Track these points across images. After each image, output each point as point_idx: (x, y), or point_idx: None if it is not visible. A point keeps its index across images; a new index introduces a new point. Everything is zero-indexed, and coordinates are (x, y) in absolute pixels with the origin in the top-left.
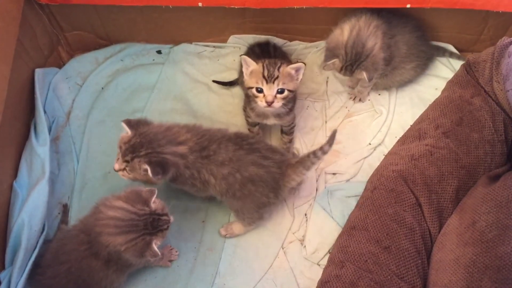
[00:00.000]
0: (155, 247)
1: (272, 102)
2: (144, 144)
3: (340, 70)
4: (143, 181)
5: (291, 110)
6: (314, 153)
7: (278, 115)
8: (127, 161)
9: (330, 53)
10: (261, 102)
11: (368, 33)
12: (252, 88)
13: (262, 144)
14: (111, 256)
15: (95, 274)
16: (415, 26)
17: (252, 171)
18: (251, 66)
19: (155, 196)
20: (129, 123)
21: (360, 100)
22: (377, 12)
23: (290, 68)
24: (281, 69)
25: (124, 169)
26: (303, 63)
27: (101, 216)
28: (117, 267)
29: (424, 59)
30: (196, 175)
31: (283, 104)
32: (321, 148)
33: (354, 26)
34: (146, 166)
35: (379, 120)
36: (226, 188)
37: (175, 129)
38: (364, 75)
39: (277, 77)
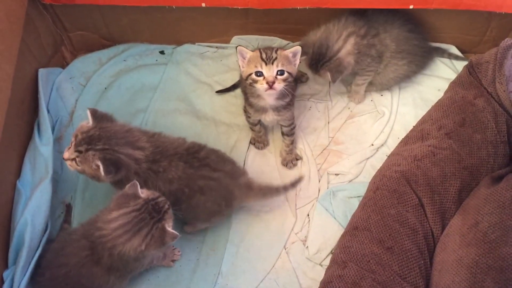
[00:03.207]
0: (170, 229)
1: (273, 83)
2: (102, 138)
3: (309, 67)
4: (90, 176)
5: (289, 104)
6: (277, 189)
7: (276, 109)
8: (79, 151)
9: (303, 51)
10: (261, 86)
11: (336, 37)
12: (251, 74)
13: (212, 156)
14: (116, 263)
15: (95, 280)
16: (404, 21)
17: (202, 183)
18: (248, 54)
19: (138, 186)
20: (94, 113)
21: (358, 101)
22: (361, 13)
23: (287, 52)
24: (278, 51)
25: (74, 159)
26: (300, 46)
27: (106, 233)
28: (120, 273)
29: (418, 56)
30: (142, 184)
31: (284, 88)
32: (284, 187)
33: (327, 28)
34: (99, 163)
35: (381, 121)
36: (173, 201)
37: (136, 133)
38: (328, 75)
39: (276, 58)
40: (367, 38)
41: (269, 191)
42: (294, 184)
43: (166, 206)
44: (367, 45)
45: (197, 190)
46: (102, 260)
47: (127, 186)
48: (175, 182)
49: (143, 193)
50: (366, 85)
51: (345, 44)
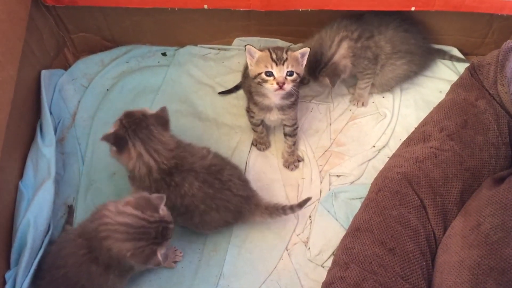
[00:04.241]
0: (159, 256)
1: (283, 83)
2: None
3: (308, 76)
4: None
5: (294, 103)
6: (283, 208)
7: (281, 108)
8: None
9: None
10: (271, 85)
11: (329, 43)
12: (260, 73)
13: (235, 179)
14: (111, 261)
15: (94, 279)
16: (400, 21)
17: (220, 203)
18: (257, 54)
19: (164, 202)
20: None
21: (362, 104)
22: (355, 17)
23: (296, 53)
24: (288, 52)
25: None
26: (308, 47)
27: (108, 221)
28: (118, 271)
29: (417, 55)
30: (154, 192)
31: (292, 88)
32: (291, 207)
33: (320, 37)
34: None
35: (383, 122)
36: (183, 212)
37: (169, 140)
38: (327, 80)
39: (286, 59)
40: (361, 41)
41: (276, 212)
42: (302, 204)
43: (170, 235)
44: (362, 47)
45: (213, 208)
46: (100, 258)
47: (154, 195)
48: (188, 198)
49: (163, 210)
50: (369, 88)
51: (338, 49)
